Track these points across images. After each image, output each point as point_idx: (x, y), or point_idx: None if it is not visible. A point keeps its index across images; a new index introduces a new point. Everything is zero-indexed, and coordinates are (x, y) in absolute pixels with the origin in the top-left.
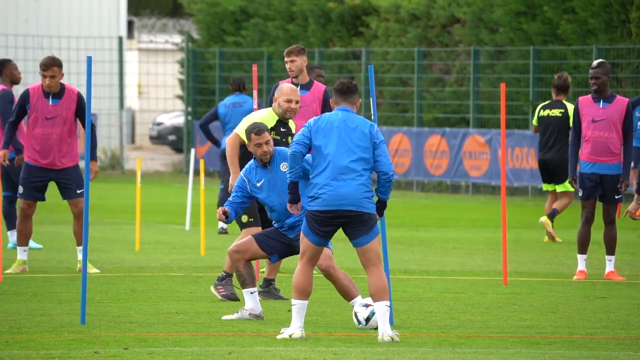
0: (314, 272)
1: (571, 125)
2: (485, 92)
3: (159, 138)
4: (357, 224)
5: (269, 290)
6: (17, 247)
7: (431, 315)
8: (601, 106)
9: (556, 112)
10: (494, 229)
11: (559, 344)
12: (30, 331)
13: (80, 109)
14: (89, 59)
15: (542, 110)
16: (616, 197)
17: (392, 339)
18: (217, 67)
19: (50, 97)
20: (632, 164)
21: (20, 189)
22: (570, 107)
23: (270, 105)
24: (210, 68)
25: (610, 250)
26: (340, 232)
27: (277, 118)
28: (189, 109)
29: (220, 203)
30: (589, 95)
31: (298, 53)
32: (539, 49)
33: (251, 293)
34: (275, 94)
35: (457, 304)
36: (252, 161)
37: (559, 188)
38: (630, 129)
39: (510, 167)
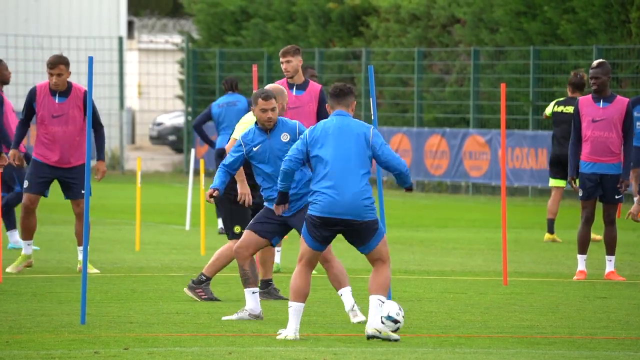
0: (314, 271)
1: None
2: (485, 92)
3: (159, 138)
4: (357, 233)
5: (268, 290)
6: (22, 242)
7: (431, 315)
8: (601, 106)
9: (570, 109)
10: (494, 229)
11: (559, 344)
12: (31, 331)
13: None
14: (90, 59)
15: (556, 106)
16: (616, 197)
17: (379, 331)
18: (217, 67)
19: (57, 95)
20: (633, 164)
21: (26, 183)
22: None
23: None
24: (211, 68)
25: (610, 251)
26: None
27: None
28: (189, 109)
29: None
30: (589, 95)
31: (294, 53)
32: (539, 49)
33: (252, 293)
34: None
35: (457, 304)
36: (252, 125)
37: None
38: (630, 129)
39: (510, 167)
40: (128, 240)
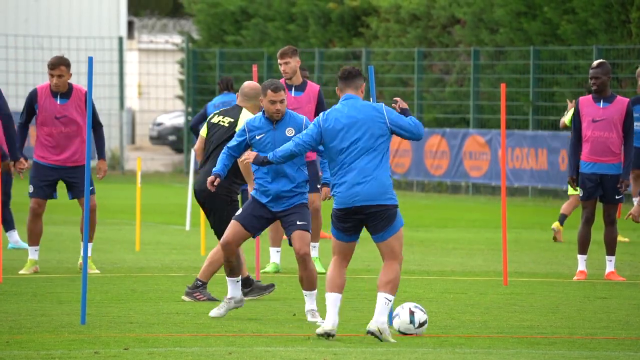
0: (322, 268)
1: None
2: (485, 93)
3: (159, 138)
4: (376, 219)
5: (252, 288)
6: (28, 247)
7: (431, 315)
8: (601, 106)
9: None
10: (494, 229)
11: (559, 344)
12: (31, 331)
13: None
14: (90, 59)
15: None
16: (616, 197)
17: (380, 332)
18: (217, 68)
19: (59, 97)
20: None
21: (31, 188)
22: None
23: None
24: (211, 68)
25: (611, 251)
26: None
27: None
28: (189, 109)
29: None
30: (589, 96)
31: (292, 54)
32: (539, 49)
33: (236, 282)
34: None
35: (457, 304)
36: (260, 114)
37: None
38: (630, 129)
39: (510, 168)
40: (128, 241)
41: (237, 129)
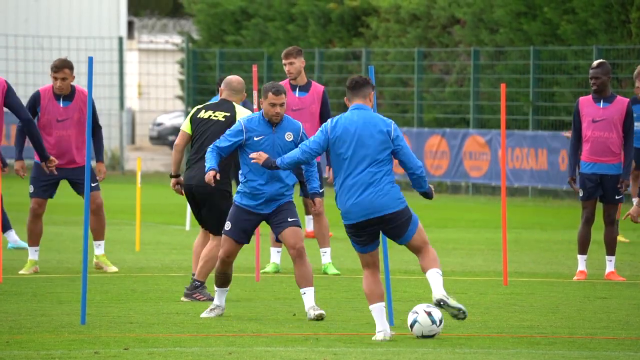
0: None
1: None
2: (485, 93)
3: (159, 138)
4: (391, 226)
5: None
6: (28, 248)
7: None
8: (601, 106)
9: None
10: (494, 229)
11: (559, 344)
12: (31, 331)
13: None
14: (90, 59)
15: None
16: (616, 197)
17: (445, 299)
18: (217, 68)
19: (61, 99)
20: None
21: (31, 188)
22: None
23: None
24: (211, 68)
25: (611, 251)
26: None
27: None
28: (189, 109)
29: None
30: (589, 96)
31: (296, 55)
32: (539, 49)
33: (226, 291)
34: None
35: None
36: (258, 114)
37: None
38: (630, 129)
39: (510, 168)
40: (128, 241)
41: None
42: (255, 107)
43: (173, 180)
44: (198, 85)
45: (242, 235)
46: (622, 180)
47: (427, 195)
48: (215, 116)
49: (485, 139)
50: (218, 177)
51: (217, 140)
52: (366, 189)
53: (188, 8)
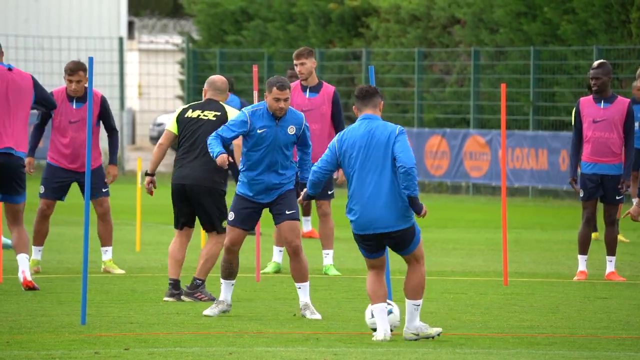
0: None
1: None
2: (485, 93)
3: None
4: (397, 240)
5: (180, 292)
6: (32, 247)
7: (431, 315)
8: (602, 107)
9: None
10: (494, 229)
11: (559, 345)
12: (31, 332)
13: (104, 111)
14: (90, 60)
15: None
16: (617, 197)
17: (417, 335)
18: (217, 68)
19: (74, 101)
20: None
21: (42, 189)
22: None
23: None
24: (211, 69)
25: (611, 251)
26: (339, 232)
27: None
28: None
29: None
30: (590, 96)
31: (308, 55)
32: (539, 49)
33: (231, 285)
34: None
35: (457, 304)
36: (262, 106)
37: None
38: (631, 130)
39: (510, 168)
40: (128, 241)
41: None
42: None
43: (148, 178)
44: (198, 86)
45: (246, 222)
46: (622, 180)
47: (415, 203)
48: (204, 115)
49: (485, 139)
50: (230, 159)
51: (219, 129)
52: (375, 203)
53: (188, 8)
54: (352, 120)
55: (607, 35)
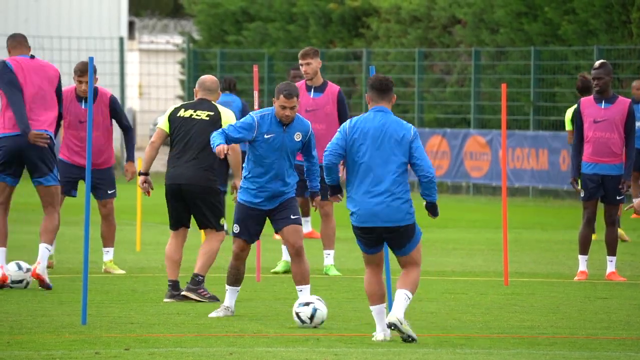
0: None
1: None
2: (486, 93)
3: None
4: (396, 237)
5: (179, 293)
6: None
7: (432, 315)
8: (603, 107)
9: None
10: (494, 229)
11: (560, 345)
12: (31, 332)
13: (114, 111)
14: (91, 60)
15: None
16: (618, 197)
17: (400, 322)
18: (218, 68)
19: (83, 101)
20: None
21: None
22: None
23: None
24: (211, 69)
25: (612, 251)
26: (340, 232)
27: None
28: None
29: None
30: (591, 96)
31: (314, 55)
32: (539, 49)
33: (236, 292)
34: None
35: (457, 304)
36: (271, 111)
37: None
38: (632, 130)
39: (511, 168)
40: (129, 241)
41: (223, 122)
42: (256, 107)
43: (142, 177)
44: None
45: (252, 234)
46: (623, 180)
47: (433, 208)
48: (197, 115)
49: (486, 139)
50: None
51: (226, 127)
52: (380, 196)
53: (189, 8)
54: None
55: (607, 35)
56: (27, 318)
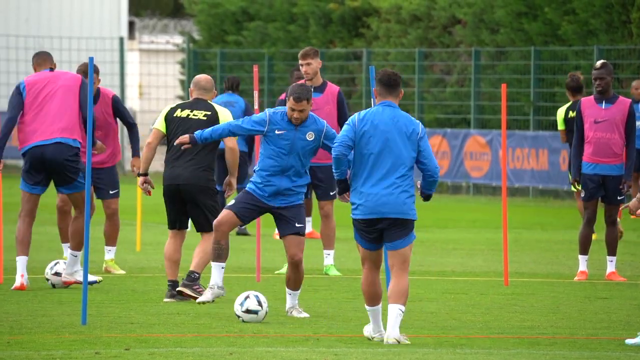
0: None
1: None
2: (486, 93)
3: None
4: (396, 229)
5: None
6: (62, 245)
7: (432, 315)
8: (603, 107)
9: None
10: (494, 229)
11: (560, 345)
12: (31, 332)
13: (117, 110)
14: (91, 60)
15: (571, 112)
16: (618, 198)
17: (398, 341)
18: (218, 68)
19: None
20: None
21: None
22: None
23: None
24: (211, 69)
25: (612, 251)
26: (340, 232)
27: None
28: None
29: (220, 207)
30: (592, 96)
31: (314, 55)
32: (539, 49)
33: (221, 268)
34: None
35: (458, 304)
36: (285, 108)
37: None
38: (632, 130)
39: (511, 168)
40: (129, 241)
41: (220, 122)
42: (256, 107)
43: (141, 178)
44: None
45: (243, 213)
46: (624, 181)
47: (428, 199)
48: (194, 115)
49: (486, 139)
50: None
51: (241, 119)
52: (388, 188)
53: (189, 8)
54: None
55: (607, 35)
56: (27, 318)
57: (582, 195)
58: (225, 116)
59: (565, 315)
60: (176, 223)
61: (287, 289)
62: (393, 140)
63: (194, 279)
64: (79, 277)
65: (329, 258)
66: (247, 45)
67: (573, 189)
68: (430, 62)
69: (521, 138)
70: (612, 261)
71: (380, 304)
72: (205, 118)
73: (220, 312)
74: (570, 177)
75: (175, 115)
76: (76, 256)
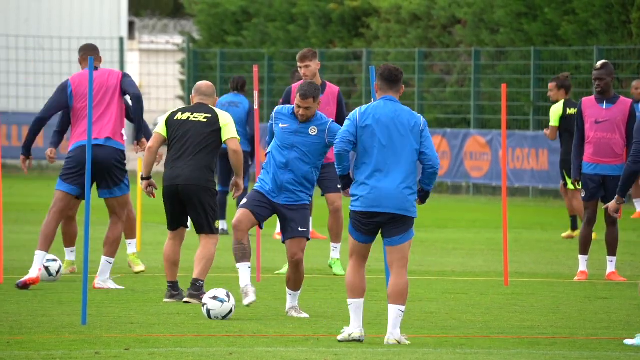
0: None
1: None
2: (486, 93)
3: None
4: (396, 225)
5: (178, 293)
6: (65, 248)
7: (432, 315)
8: (604, 107)
9: (572, 111)
10: (494, 229)
11: (560, 345)
12: (31, 332)
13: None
14: (91, 60)
15: (569, 109)
16: None
17: (399, 342)
18: (218, 68)
19: None
20: None
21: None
22: None
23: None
24: (211, 69)
25: (612, 251)
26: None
27: None
28: None
29: (221, 207)
30: (592, 97)
31: (312, 57)
32: (539, 49)
33: (248, 267)
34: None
35: (458, 304)
36: (292, 105)
37: None
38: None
39: (511, 168)
40: None
41: (221, 125)
42: (256, 107)
43: (145, 182)
44: None
45: (257, 209)
46: None
47: (426, 196)
48: (195, 117)
49: (486, 139)
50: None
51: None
52: (393, 182)
53: (189, 8)
54: None
55: (607, 35)
56: (27, 318)
57: (583, 195)
58: (225, 119)
59: (565, 315)
60: (176, 223)
61: (287, 289)
62: (397, 134)
63: (199, 288)
64: (112, 284)
65: (335, 252)
66: (247, 45)
67: (571, 187)
68: (430, 62)
69: (521, 138)
70: (612, 261)
71: (363, 298)
72: (205, 120)
73: None
74: (563, 174)
75: (175, 118)
76: (111, 263)
